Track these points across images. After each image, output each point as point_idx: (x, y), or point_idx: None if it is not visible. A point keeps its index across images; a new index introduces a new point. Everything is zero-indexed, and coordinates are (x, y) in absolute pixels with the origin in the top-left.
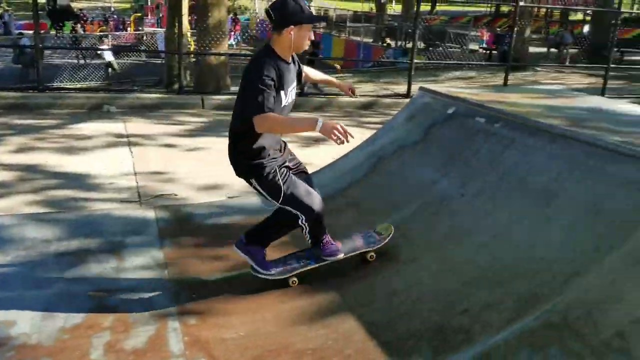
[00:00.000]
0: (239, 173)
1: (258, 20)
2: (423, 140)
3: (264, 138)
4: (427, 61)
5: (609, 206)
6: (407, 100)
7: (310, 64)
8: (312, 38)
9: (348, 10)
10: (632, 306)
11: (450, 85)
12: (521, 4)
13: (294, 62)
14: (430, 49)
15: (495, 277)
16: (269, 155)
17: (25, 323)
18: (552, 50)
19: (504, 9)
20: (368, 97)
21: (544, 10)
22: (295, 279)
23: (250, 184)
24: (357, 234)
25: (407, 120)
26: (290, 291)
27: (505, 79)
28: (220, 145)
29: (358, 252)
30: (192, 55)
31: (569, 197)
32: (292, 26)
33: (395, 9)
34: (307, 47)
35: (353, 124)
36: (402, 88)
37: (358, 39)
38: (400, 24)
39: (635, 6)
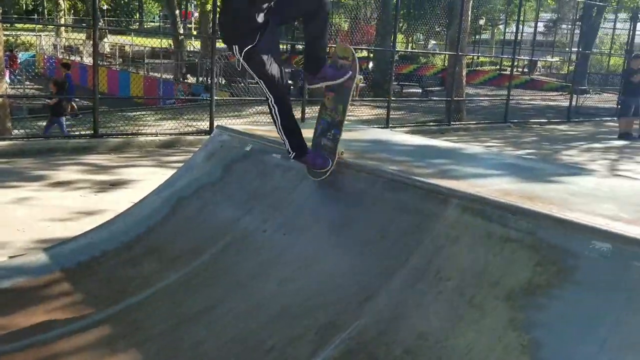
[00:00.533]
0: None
1: (45, 57)
2: (223, 178)
3: None
4: (228, 97)
5: (392, 230)
6: (208, 137)
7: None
8: None
9: (145, 46)
10: (416, 321)
11: (254, 120)
12: None
13: None
14: (233, 84)
15: (298, 310)
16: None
17: None
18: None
19: (299, 46)
20: (169, 136)
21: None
22: (342, 149)
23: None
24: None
25: (206, 159)
26: (86, 354)
27: (303, 114)
28: (0, 197)
29: (343, 79)
30: None
31: (357, 225)
32: None
33: (195, 45)
34: None
35: (154, 164)
36: (205, 124)
37: (157, 75)
38: (200, 60)
39: (410, 45)
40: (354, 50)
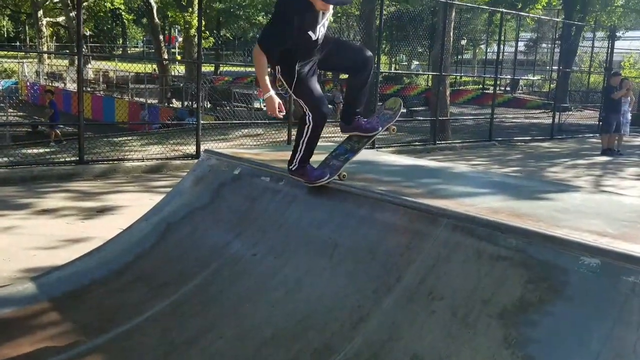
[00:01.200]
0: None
1: (28, 83)
2: (212, 202)
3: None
4: (214, 121)
5: (382, 250)
6: (196, 161)
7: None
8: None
9: (129, 71)
10: (410, 342)
11: (240, 143)
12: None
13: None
14: (218, 108)
15: (291, 333)
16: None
17: None
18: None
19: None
20: (156, 161)
21: None
22: (344, 173)
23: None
24: (372, 118)
25: (195, 183)
26: None
27: (289, 136)
28: None
29: (376, 132)
30: None
31: (347, 246)
32: None
33: (179, 69)
34: (321, 8)
35: (141, 190)
36: (191, 149)
37: (142, 100)
38: (185, 85)
39: (394, 65)
40: (402, 103)
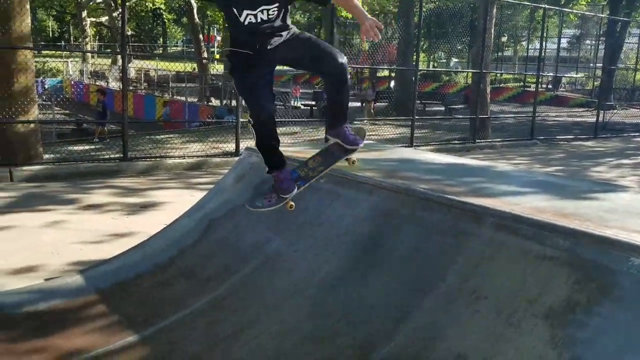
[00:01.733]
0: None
1: (72, 82)
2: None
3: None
4: None
5: (424, 249)
6: (236, 158)
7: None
8: None
9: (169, 70)
10: (453, 341)
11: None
12: None
13: None
14: None
15: (331, 330)
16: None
17: None
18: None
19: None
20: (196, 158)
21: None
22: (292, 203)
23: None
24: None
25: (237, 180)
26: None
27: (327, 134)
28: (33, 221)
29: (355, 147)
30: None
31: (390, 245)
32: None
33: (218, 68)
34: None
35: (182, 186)
36: (230, 146)
37: (182, 98)
38: (224, 84)
39: (432, 63)
40: (366, 133)
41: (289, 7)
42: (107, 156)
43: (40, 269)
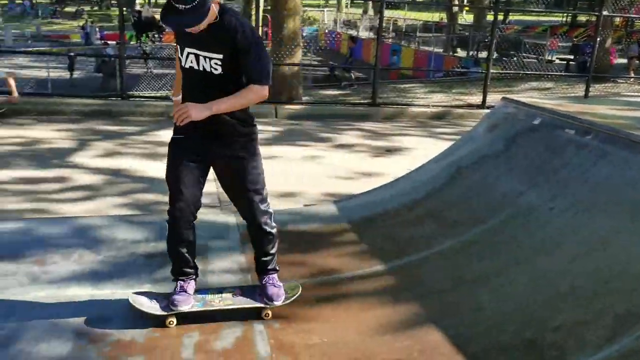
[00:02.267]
0: (236, 147)
1: (326, 31)
2: (506, 150)
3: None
4: (504, 71)
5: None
6: (481, 111)
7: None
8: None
9: (418, 20)
10: None
11: (527, 96)
12: (605, 13)
13: None
14: (505, 59)
15: (589, 292)
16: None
17: (119, 321)
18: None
19: (582, 18)
20: (440, 108)
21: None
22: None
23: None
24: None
25: (489, 130)
26: (371, 299)
27: (587, 91)
28: (295, 153)
29: (272, 303)
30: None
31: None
32: None
33: (466, 18)
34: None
35: (425, 134)
36: (474, 99)
37: (428, 48)
38: (472, 34)
39: None
40: (300, 292)
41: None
42: (358, 101)
43: (301, 195)
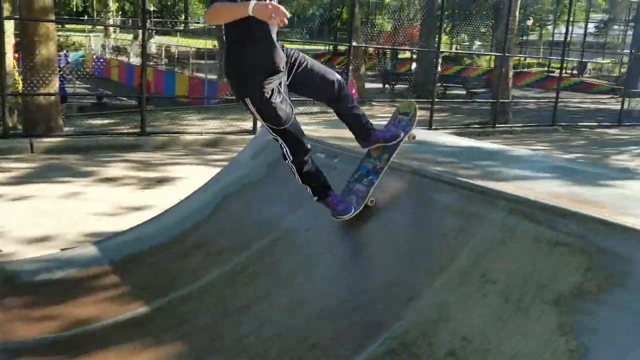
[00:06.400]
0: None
1: (95, 57)
2: (269, 176)
3: (259, 51)
4: None
5: (436, 231)
6: (253, 136)
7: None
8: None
9: (190, 47)
10: (459, 324)
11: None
12: (354, 44)
13: None
14: None
15: (342, 307)
16: (267, 73)
17: None
18: (387, 86)
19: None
20: (213, 135)
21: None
22: (373, 198)
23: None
24: (389, 126)
25: (252, 157)
26: (134, 346)
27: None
28: (51, 192)
29: (399, 139)
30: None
31: (402, 225)
32: None
33: None
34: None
35: (198, 162)
36: (247, 124)
37: (202, 75)
38: None
39: (454, 46)
40: (417, 107)
41: None
42: (126, 131)
43: (57, 238)
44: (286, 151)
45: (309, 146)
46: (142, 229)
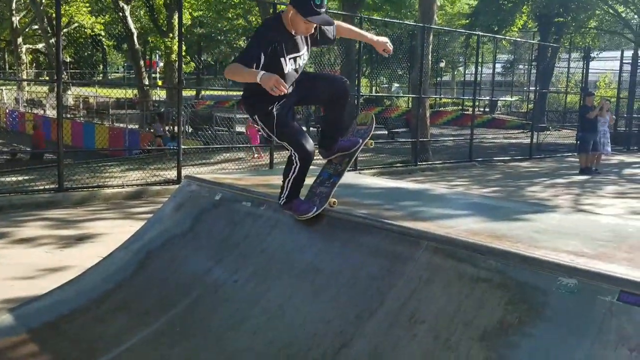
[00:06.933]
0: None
1: (7, 110)
2: (193, 229)
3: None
4: (195, 146)
5: (364, 274)
6: (177, 186)
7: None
8: (311, 31)
9: (110, 97)
10: None
11: (222, 168)
12: None
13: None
14: (200, 132)
15: (275, 358)
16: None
17: None
18: (312, 129)
19: None
20: (136, 186)
21: None
22: (334, 199)
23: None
24: (349, 136)
25: (175, 210)
26: None
27: (271, 161)
28: None
29: (358, 146)
30: None
31: (330, 270)
32: (292, 7)
33: (160, 94)
34: (303, 32)
35: (121, 216)
36: (171, 174)
37: (123, 125)
38: (167, 110)
39: (374, 88)
40: (373, 116)
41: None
42: (42, 187)
43: None
44: (294, 155)
45: (311, 154)
46: (61, 292)
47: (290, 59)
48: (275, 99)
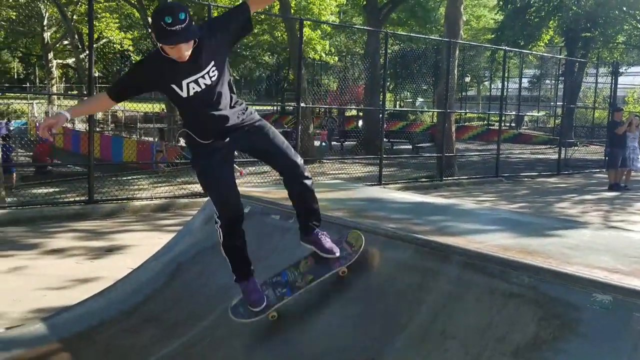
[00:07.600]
0: (250, 121)
1: (37, 124)
2: None
3: (190, 122)
4: None
5: (393, 289)
6: (205, 199)
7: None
8: (183, 53)
9: (137, 111)
10: None
11: (247, 181)
12: (302, 105)
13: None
14: None
15: None
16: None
17: None
18: (335, 143)
19: (290, 107)
20: (164, 199)
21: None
22: (274, 313)
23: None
24: (334, 241)
25: (205, 222)
26: None
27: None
28: None
29: (332, 256)
30: None
31: (359, 285)
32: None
33: None
34: (176, 56)
35: (150, 228)
36: (198, 187)
37: (150, 139)
38: (169, 127)
39: (398, 102)
40: (364, 242)
41: (228, 73)
42: (72, 199)
43: (2, 317)
44: (216, 214)
45: (241, 214)
46: (92, 303)
47: (188, 83)
48: (197, 133)
